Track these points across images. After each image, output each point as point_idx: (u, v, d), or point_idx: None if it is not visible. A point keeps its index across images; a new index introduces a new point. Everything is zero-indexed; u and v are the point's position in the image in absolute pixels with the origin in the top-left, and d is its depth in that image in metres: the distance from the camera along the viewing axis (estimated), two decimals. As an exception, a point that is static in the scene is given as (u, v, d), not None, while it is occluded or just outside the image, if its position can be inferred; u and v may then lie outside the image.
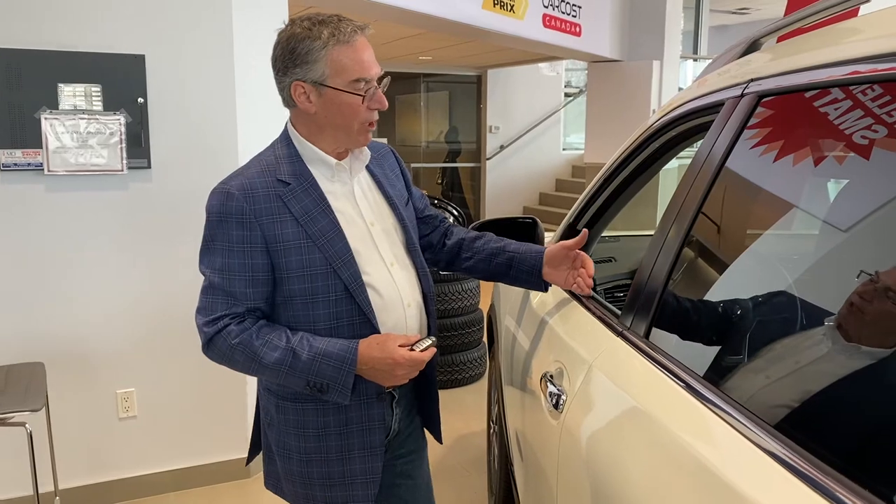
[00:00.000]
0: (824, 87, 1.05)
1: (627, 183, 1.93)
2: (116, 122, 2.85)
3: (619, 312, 1.52)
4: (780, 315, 1.20)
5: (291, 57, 1.46)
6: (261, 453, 1.73)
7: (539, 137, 10.03)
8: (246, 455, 3.20)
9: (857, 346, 1.13)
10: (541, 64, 9.54)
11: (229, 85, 3.05)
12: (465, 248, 1.80)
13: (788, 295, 1.14)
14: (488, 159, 9.85)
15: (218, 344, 1.47)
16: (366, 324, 1.51)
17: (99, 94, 2.82)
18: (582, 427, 1.37)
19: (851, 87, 1.01)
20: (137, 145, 2.91)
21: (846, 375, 0.99)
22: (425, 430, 1.80)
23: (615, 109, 7.07)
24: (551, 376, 1.64)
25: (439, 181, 10.89)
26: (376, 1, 4.11)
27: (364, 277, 1.51)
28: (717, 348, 1.23)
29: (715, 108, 1.41)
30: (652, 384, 1.20)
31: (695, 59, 10.20)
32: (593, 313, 1.65)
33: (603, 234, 2.20)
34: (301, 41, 1.45)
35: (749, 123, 1.22)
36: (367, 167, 1.64)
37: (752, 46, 1.54)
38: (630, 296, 1.46)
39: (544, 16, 5.72)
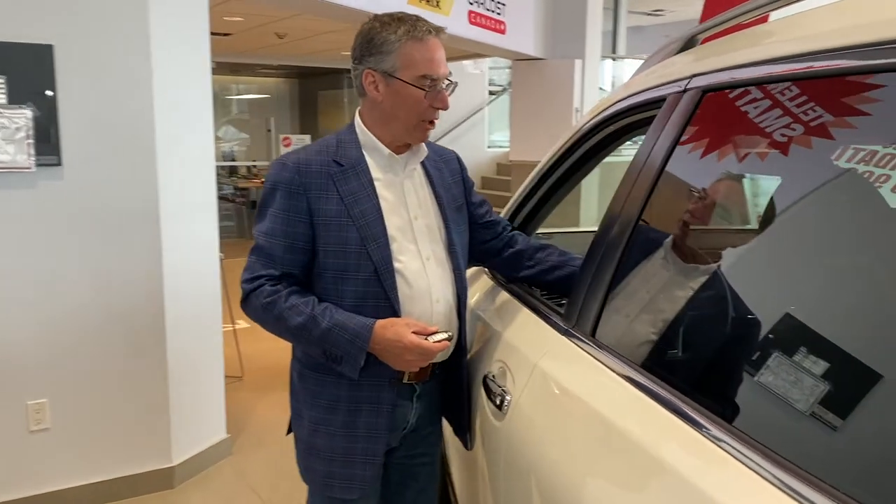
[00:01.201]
0: (777, 81, 1.05)
1: (563, 180, 1.92)
2: (23, 117, 2.67)
3: (561, 311, 1.51)
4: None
5: (368, 46, 1.56)
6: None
7: (464, 135, 10.05)
8: (171, 464, 3.14)
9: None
10: (465, 62, 9.55)
11: (146, 77, 2.91)
12: (528, 257, 1.84)
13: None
14: (413, 156, 9.79)
15: (252, 301, 1.57)
16: (388, 309, 1.56)
17: (3, 85, 2.63)
18: (527, 428, 1.35)
19: (802, 82, 1.01)
20: (46, 141, 2.73)
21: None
22: (457, 437, 1.79)
23: (539, 107, 7.14)
24: (493, 376, 1.62)
25: (364, 178, 10.76)
26: (301, -7, 4.01)
27: (395, 264, 1.57)
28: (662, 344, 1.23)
29: (655, 103, 1.41)
30: (599, 383, 1.18)
31: (613, 59, 10.42)
32: (536, 312, 1.63)
33: (537, 232, 2.19)
34: (378, 33, 1.55)
35: (693, 118, 1.22)
36: (425, 167, 1.70)
37: (689, 43, 1.55)
38: (573, 294, 1.44)
39: (469, 12, 5.71)
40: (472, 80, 9.98)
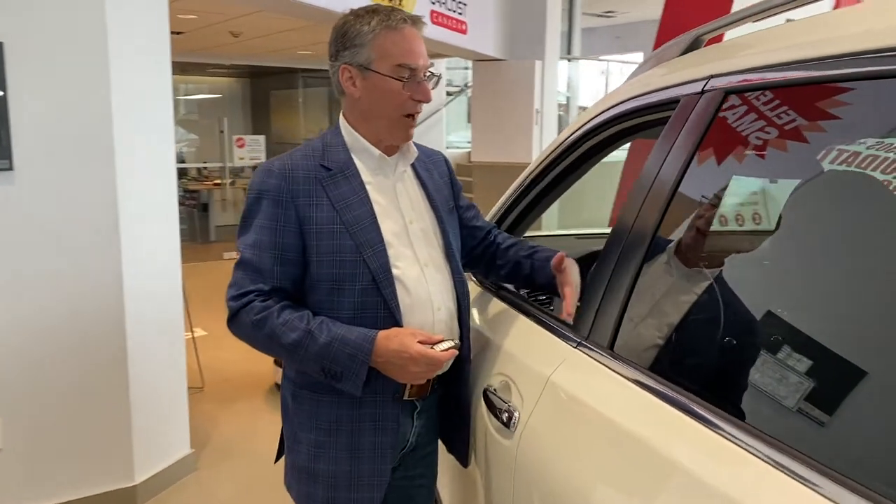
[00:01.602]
0: (819, 83, 1.00)
1: (557, 182, 1.86)
2: (-29, 118, 2.49)
3: (568, 322, 1.44)
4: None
5: (342, 41, 1.50)
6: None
7: (423, 136, 9.96)
8: (133, 483, 2.99)
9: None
10: (421, 61, 9.46)
11: (103, 76, 2.75)
12: (500, 255, 1.77)
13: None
14: (371, 157, 9.67)
15: (241, 319, 1.46)
16: (389, 318, 1.48)
17: (-52, 84, 2.46)
18: (545, 447, 1.28)
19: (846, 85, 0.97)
20: (-4, 143, 2.57)
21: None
22: (453, 455, 1.71)
23: (500, 108, 7.11)
24: (494, 390, 1.54)
25: (320, 180, 10.60)
26: (262, -10, 3.88)
27: (394, 271, 1.49)
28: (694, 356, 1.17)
29: (666, 105, 1.36)
30: (627, 399, 1.12)
31: (568, 60, 10.46)
32: (537, 321, 1.57)
33: (525, 235, 2.13)
34: (352, 26, 1.49)
35: (715, 120, 1.17)
36: (415, 169, 1.64)
37: (694, 45, 1.51)
38: (583, 305, 1.38)
39: (432, 12, 5.64)
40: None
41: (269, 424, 3.96)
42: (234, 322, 1.48)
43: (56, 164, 2.70)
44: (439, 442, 1.73)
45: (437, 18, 5.73)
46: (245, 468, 3.44)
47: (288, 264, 1.47)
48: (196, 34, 6.63)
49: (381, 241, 1.49)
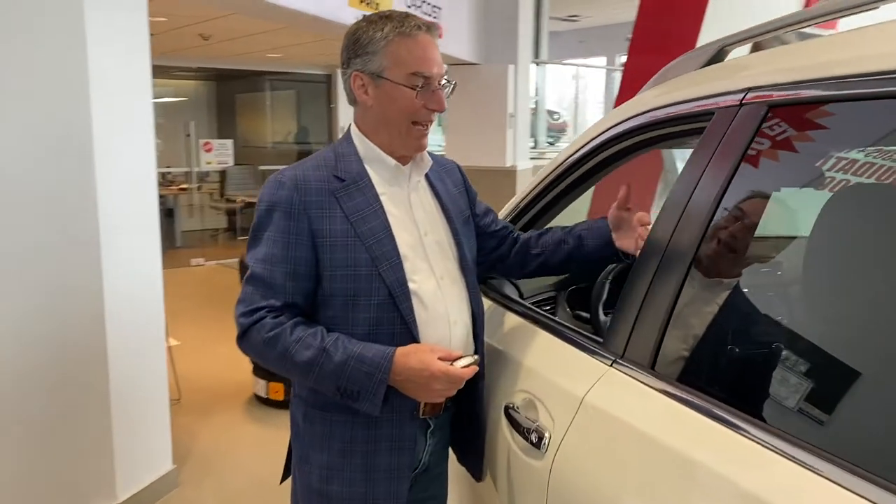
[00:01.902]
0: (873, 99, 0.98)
1: (573, 187, 1.83)
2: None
3: (596, 337, 1.41)
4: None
5: (354, 47, 1.46)
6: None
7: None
8: (117, 501, 2.87)
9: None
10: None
11: (82, 78, 2.65)
12: (533, 244, 1.74)
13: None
14: (341, 161, 9.58)
15: (252, 336, 1.40)
16: (406, 334, 1.43)
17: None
18: (585, 470, 1.24)
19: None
20: (-28, 151, 2.44)
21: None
22: (465, 467, 1.67)
23: (474, 112, 7.10)
24: (517, 408, 1.51)
25: (289, 184, 10.45)
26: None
27: (410, 285, 1.45)
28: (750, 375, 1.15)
29: (697, 116, 1.34)
30: (678, 421, 1.09)
31: (537, 64, 10.51)
32: (560, 336, 1.53)
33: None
34: (365, 32, 1.45)
35: (757, 133, 1.15)
36: (429, 179, 1.60)
37: (717, 56, 1.49)
38: (616, 320, 1.35)
39: (408, 16, 5.59)
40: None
41: (251, 437, 3.87)
42: (244, 340, 1.42)
43: (33, 171, 2.58)
44: (449, 460, 1.69)
45: (413, 22, 5.68)
46: (229, 483, 3.35)
47: (300, 279, 1.42)
48: (165, 37, 6.49)
49: (397, 254, 1.45)
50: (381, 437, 1.47)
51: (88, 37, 2.64)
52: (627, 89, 5.62)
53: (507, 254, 1.75)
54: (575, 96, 11.82)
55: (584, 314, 2.08)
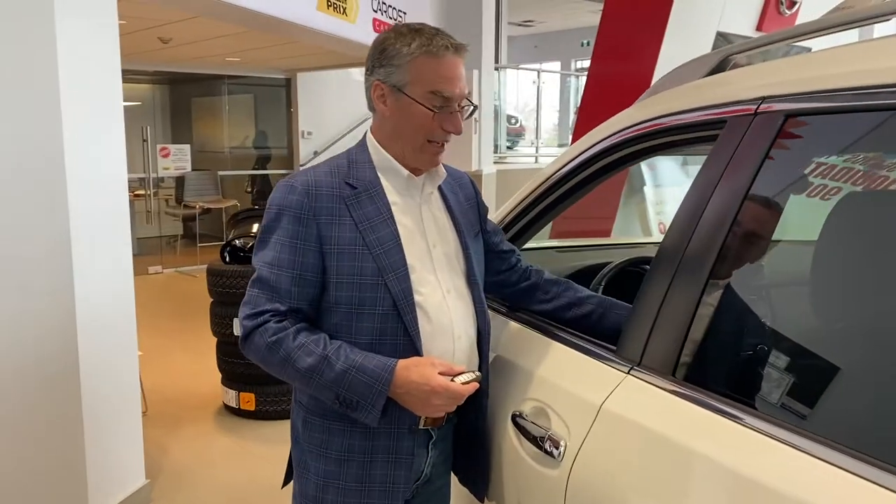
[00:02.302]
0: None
1: (569, 194, 1.83)
2: None
3: (609, 345, 1.42)
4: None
5: (380, 57, 1.45)
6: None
7: (354, 143, 9.82)
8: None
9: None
10: (352, 69, 9.35)
11: (52, 80, 2.56)
12: (544, 290, 1.71)
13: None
14: (302, 165, 9.48)
15: (255, 340, 1.40)
16: (409, 346, 1.42)
17: None
18: (607, 475, 1.24)
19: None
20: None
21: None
22: (466, 488, 1.64)
23: (439, 117, 7.08)
24: (525, 416, 1.50)
25: (248, 189, 10.30)
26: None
27: (416, 297, 1.44)
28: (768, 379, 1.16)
29: (707, 125, 1.35)
30: (709, 430, 1.10)
31: (496, 69, 10.57)
32: (568, 344, 1.53)
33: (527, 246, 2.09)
34: (392, 44, 1.44)
35: (777, 141, 1.16)
36: (441, 191, 1.59)
37: (722, 64, 1.51)
38: (631, 328, 1.35)
39: (374, 20, 5.58)
40: (359, 88, 9.68)
41: (223, 449, 3.80)
42: (247, 342, 1.42)
43: (3, 177, 2.49)
44: (452, 474, 1.68)
45: (379, 27, 5.67)
46: (203, 498, 3.27)
47: (306, 284, 1.42)
48: (122, 40, 6.31)
49: (405, 264, 1.44)
50: (378, 448, 1.46)
51: (59, 43, 2.56)
52: (592, 95, 5.69)
53: (514, 282, 1.73)
54: (537, 101, 11.91)
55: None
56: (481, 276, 1.61)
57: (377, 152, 1.51)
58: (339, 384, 1.36)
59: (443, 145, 1.50)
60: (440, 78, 1.43)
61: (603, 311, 1.64)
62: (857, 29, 1.30)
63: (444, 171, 1.57)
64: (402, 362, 1.38)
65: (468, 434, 1.60)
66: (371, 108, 1.51)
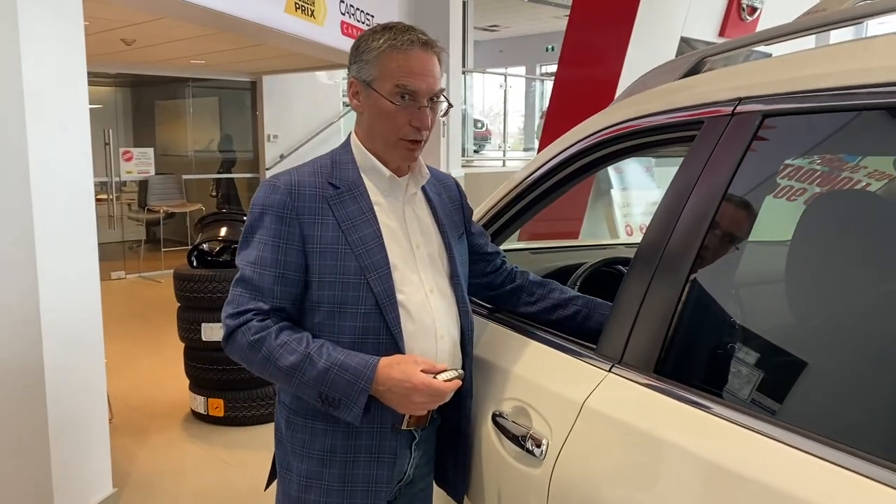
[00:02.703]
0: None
1: (545, 195, 1.84)
2: None
3: (589, 344, 1.43)
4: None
5: (355, 54, 1.48)
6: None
7: (320, 147, 9.72)
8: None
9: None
10: (319, 72, 9.30)
11: (15, 82, 2.50)
12: (528, 292, 1.72)
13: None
14: (268, 169, 9.37)
15: (237, 338, 1.40)
16: (392, 345, 1.43)
17: None
18: (591, 472, 1.25)
19: None
20: None
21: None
22: (443, 489, 1.64)
23: (407, 120, 7.07)
24: (506, 416, 1.50)
25: (213, 193, 10.16)
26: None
27: (398, 296, 1.45)
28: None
29: (685, 126, 1.37)
30: (694, 426, 1.11)
31: (463, 73, 10.61)
32: (548, 343, 1.54)
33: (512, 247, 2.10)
34: (365, 41, 1.47)
35: (754, 141, 1.19)
36: (425, 192, 1.59)
37: (697, 66, 1.54)
38: (612, 327, 1.36)
39: (342, 23, 5.56)
40: (326, 91, 9.74)
41: (192, 456, 3.74)
42: (229, 341, 1.42)
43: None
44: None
45: (347, 30, 5.66)
46: (172, 507, 3.22)
47: (289, 283, 1.42)
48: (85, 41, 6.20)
49: (387, 264, 1.45)
50: (360, 447, 1.46)
51: (23, 44, 2.50)
52: (559, 100, 5.75)
53: (499, 284, 1.73)
54: (504, 105, 11.99)
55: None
56: (465, 276, 1.61)
57: (360, 152, 1.52)
58: (322, 382, 1.36)
59: (416, 142, 1.48)
60: (405, 72, 1.42)
61: (588, 311, 1.65)
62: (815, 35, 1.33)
63: (427, 171, 1.57)
64: (384, 360, 1.38)
65: (451, 435, 1.60)
66: (353, 108, 1.52)
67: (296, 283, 1.43)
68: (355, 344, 1.42)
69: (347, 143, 1.54)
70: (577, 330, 1.59)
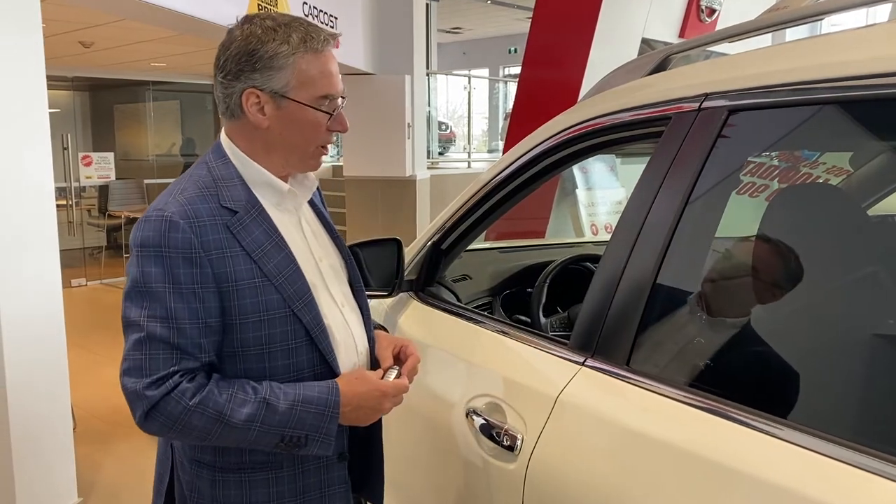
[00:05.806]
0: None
1: (512, 195, 1.85)
2: None
3: (560, 339, 1.44)
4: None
5: (250, 60, 1.25)
6: None
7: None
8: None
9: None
10: (282, 75, 9.22)
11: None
12: None
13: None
14: (231, 173, 9.29)
15: (168, 409, 1.17)
16: (328, 373, 1.32)
17: None
18: (565, 466, 1.26)
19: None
20: None
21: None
22: (361, 496, 1.55)
23: (372, 123, 7.06)
24: (479, 412, 1.51)
25: (177, 198, 10.01)
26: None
27: (324, 321, 1.32)
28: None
29: (653, 122, 1.39)
30: (668, 417, 1.13)
31: (427, 75, 10.61)
32: (517, 339, 1.55)
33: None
34: (264, 43, 1.24)
35: (721, 135, 1.21)
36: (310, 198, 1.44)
37: (663, 63, 1.56)
38: (584, 322, 1.38)
39: (306, 25, 5.52)
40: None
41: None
42: (152, 416, 1.18)
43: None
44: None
45: (310, 32, 5.61)
46: (140, 515, 3.16)
47: (213, 333, 1.24)
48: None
49: (309, 289, 1.31)
50: (309, 486, 1.34)
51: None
52: (523, 101, 5.79)
53: None
54: (469, 107, 12.02)
55: (523, 317, 2.12)
56: (360, 280, 1.52)
57: (246, 166, 1.32)
58: (286, 424, 1.23)
59: (328, 148, 1.38)
60: (327, 79, 1.28)
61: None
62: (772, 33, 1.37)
63: (314, 178, 1.42)
64: (341, 380, 1.30)
65: (363, 439, 1.46)
66: (234, 115, 1.30)
67: (218, 331, 1.24)
68: (290, 381, 1.29)
69: (223, 155, 1.33)
70: None
